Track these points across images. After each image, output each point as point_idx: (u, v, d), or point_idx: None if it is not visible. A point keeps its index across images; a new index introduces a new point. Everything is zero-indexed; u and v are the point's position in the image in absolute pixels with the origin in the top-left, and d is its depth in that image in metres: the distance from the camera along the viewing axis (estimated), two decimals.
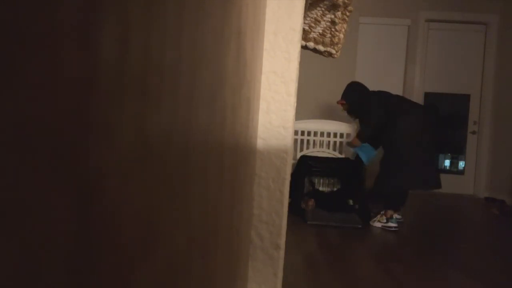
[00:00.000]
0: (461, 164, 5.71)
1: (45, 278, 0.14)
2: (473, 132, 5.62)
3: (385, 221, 3.12)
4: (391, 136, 3.23)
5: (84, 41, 0.16)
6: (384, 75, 5.48)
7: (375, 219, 3.20)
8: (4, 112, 0.11)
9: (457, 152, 5.72)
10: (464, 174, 5.66)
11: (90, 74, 0.16)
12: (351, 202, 3.41)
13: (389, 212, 3.16)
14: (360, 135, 3.46)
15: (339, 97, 5.07)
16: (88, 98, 0.16)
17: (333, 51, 1.28)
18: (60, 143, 0.14)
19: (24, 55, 0.12)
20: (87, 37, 0.16)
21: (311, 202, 3.38)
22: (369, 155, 3.50)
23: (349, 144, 3.62)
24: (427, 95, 5.58)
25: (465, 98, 5.62)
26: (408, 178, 3.15)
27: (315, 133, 4.39)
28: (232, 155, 0.58)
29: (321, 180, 3.72)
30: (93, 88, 0.17)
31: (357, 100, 3.51)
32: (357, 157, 3.61)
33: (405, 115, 3.20)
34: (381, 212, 3.20)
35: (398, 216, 3.19)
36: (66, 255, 0.16)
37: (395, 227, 3.09)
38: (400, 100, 3.39)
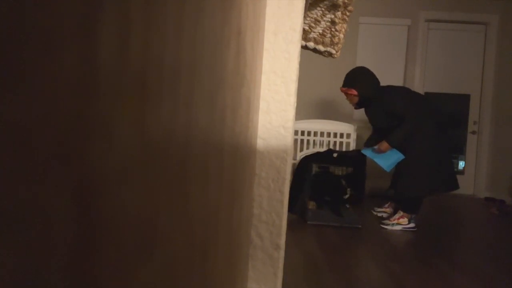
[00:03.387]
0: (461, 164, 5.71)
1: (45, 278, 0.14)
2: (473, 132, 5.62)
3: (407, 222, 3.12)
4: (414, 142, 3.08)
5: (84, 41, 0.16)
6: (384, 75, 5.48)
7: (390, 222, 3.15)
8: (4, 112, 0.11)
9: (457, 152, 5.72)
10: (464, 174, 5.66)
11: (90, 74, 0.16)
12: (347, 205, 3.40)
13: (408, 214, 3.15)
14: (393, 141, 3.07)
15: (339, 97, 5.03)
16: (88, 98, 0.16)
17: (333, 51, 1.28)
18: (60, 143, 0.14)
19: (23, 55, 0.12)
20: (87, 37, 0.16)
21: (312, 202, 3.38)
22: (393, 160, 3.14)
23: (377, 150, 3.20)
24: (427, 95, 5.58)
25: (465, 98, 5.62)
26: (433, 183, 3.09)
27: (315, 133, 4.39)
28: (232, 155, 0.58)
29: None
30: (93, 88, 0.17)
31: (372, 91, 3.16)
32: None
33: (429, 121, 3.07)
34: (398, 215, 3.15)
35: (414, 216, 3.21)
36: (66, 256, 0.16)
37: (414, 227, 3.14)
38: (422, 103, 3.15)
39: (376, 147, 3.21)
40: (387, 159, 3.15)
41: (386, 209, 3.55)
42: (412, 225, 3.15)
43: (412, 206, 3.16)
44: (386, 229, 3.12)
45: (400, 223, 3.13)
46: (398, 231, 3.08)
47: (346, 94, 3.28)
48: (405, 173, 3.13)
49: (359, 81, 3.18)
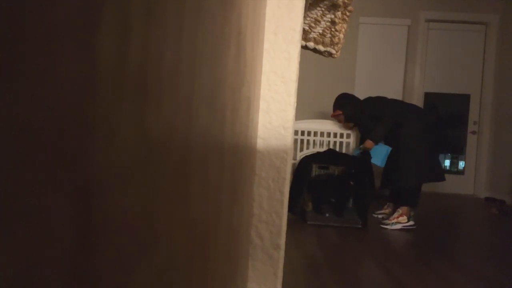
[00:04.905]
0: (461, 164, 5.71)
1: (45, 278, 0.14)
2: (473, 132, 5.62)
3: (406, 220, 3.18)
4: (401, 136, 3.36)
5: (84, 41, 0.16)
6: (384, 75, 5.48)
7: (390, 221, 3.18)
8: (4, 112, 0.11)
9: (457, 152, 5.72)
10: (464, 174, 5.66)
11: (90, 74, 0.16)
12: (350, 203, 3.39)
13: (407, 210, 3.24)
14: (375, 137, 3.43)
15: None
16: (88, 98, 0.16)
17: (333, 51, 1.28)
18: (60, 143, 0.14)
19: (24, 55, 0.12)
20: (87, 37, 0.16)
21: (310, 204, 3.37)
22: (384, 155, 3.42)
23: (363, 148, 3.53)
24: (427, 95, 5.58)
25: (465, 98, 5.62)
26: (421, 173, 3.32)
27: (315, 133, 4.39)
28: (232, 155, 0.58)
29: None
30: (93, 88, 0.17)
31: (353, 108, 3.67)
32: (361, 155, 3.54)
33: (410, 115, 3.39)
34: (397, 213, 3.22)
35: (413, 213, 3.33)
36: (66, 255, 0.16)
37: (413, 225, 3.19)
38: (401, 102, 3.59)
39: (361, 146, 3.52)
40: (377, 155, 3.41)
41: (386, 210, 3.60)
42: (411, 222, 3.20)
43: (410, 198, 3.30)
44: (386, 229, 3.13)
45: (399, 221, 3.18)
46: (398, 230, 3.09)
47: (335, 117, 3.86)
48: (397, 167, 3.35)
49: (341, 102, 3.79)
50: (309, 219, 3.14)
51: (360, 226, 3.09)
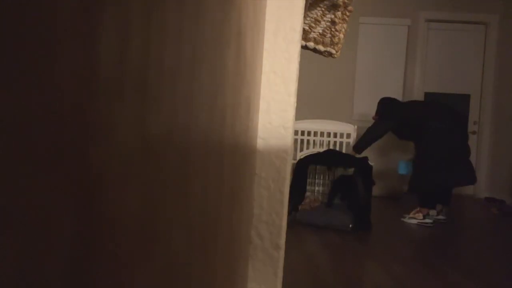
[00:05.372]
0: None
1: (45, 277, 0.14)
2: (473, 132, 5.62)
3: (421, 218, 3.39)
4: (428, 139, 3.47)
5: (84, 41, 0.16)
6: (384, 75, 5.48)
7: (408, 215, 3.44)
8: (5, 112, 0.11)
9: None
10: None
11: (90, 74, 0.16)
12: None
13: (425, 209, 3.45)
14: (356, 147, 3.56)
15: (339, 97, 5.13)
16: (88, 98, 0.16)
17: (333, 51, 1.28)
18: (60, 143, 0.14)
19: (24, 55, 0.12)
20: (87, 37, 0.16)
21: (311, 202, 3.35)
22: (405, 169, 3.85)
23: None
24: (427, 95, 5.58)
25: (465, 98, 5.62)
26: (448, 176, 3.43)
27: (315, 133, 4.40)
28: (232, 155, 0.58)
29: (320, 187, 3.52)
30: (93, 88, 0.17)
31: (382, 113, 3.72)
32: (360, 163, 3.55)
33: (439, 118, 3.47)
34: (415, 210, 3.47)
35: (435, 213, 3.49)
36: (66, 255, 0.16)
37: (431, 223, 3.35)
38: (432, 105, 3.63)
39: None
40: (405, 168, 3.91)
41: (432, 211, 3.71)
42: (429, 221, 3.35)
43: (425, 200, 3.48)
44: (408, 222, 3.34)
45: (415, 217, 3.39)
46: (400, 229, 3.12)
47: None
48: (414, 171, 3.58)
49: (377, 107, 3.75)
50: (294, 216, 3.09)
51: (350, 228, 2.93)
